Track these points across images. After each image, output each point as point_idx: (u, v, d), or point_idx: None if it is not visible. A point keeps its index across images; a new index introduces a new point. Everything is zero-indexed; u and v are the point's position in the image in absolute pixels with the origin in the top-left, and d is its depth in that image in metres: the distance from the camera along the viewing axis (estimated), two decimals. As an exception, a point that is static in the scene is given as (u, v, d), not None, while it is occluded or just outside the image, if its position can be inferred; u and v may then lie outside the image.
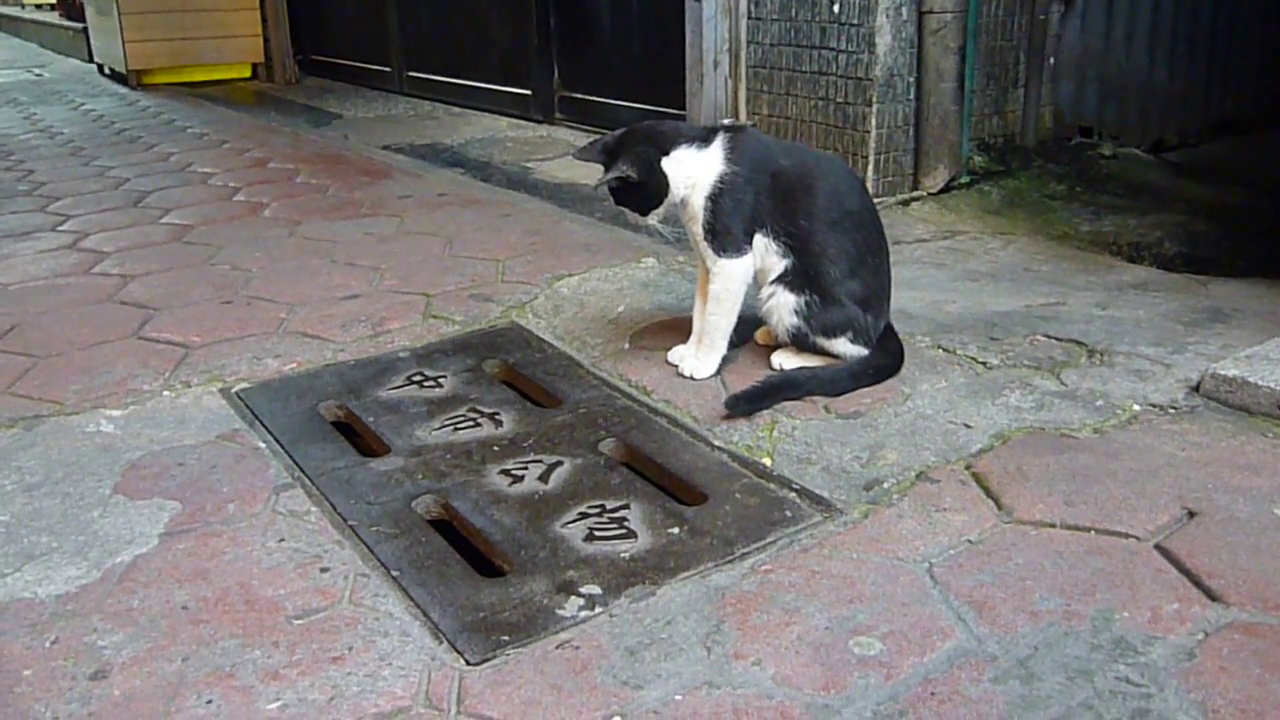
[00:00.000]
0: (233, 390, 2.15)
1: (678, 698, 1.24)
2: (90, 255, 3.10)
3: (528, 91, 5.05)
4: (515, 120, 5.10)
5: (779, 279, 2.02)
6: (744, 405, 1.91)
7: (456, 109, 5.54)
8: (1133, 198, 3.31)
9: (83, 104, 6.34)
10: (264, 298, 2.67)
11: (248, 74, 7.05)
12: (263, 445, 1.92)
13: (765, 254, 2.00)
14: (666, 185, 1.97)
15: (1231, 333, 2.15)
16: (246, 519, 1.67)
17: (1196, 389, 1.91)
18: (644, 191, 1.98)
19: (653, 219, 2.04)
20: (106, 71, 7.48)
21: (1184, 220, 3.09)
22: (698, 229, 1.98)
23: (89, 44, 7.75)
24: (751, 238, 1.98)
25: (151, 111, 5.89)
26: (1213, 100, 3.97)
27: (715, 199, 1.95)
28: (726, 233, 1.95)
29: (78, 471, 1.83)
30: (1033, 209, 3.21)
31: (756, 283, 2.06)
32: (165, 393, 2.15)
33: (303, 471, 1.82)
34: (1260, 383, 1.82)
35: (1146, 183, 3.49)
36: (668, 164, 1.96)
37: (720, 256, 1.98)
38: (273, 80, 6.95)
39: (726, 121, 2.13)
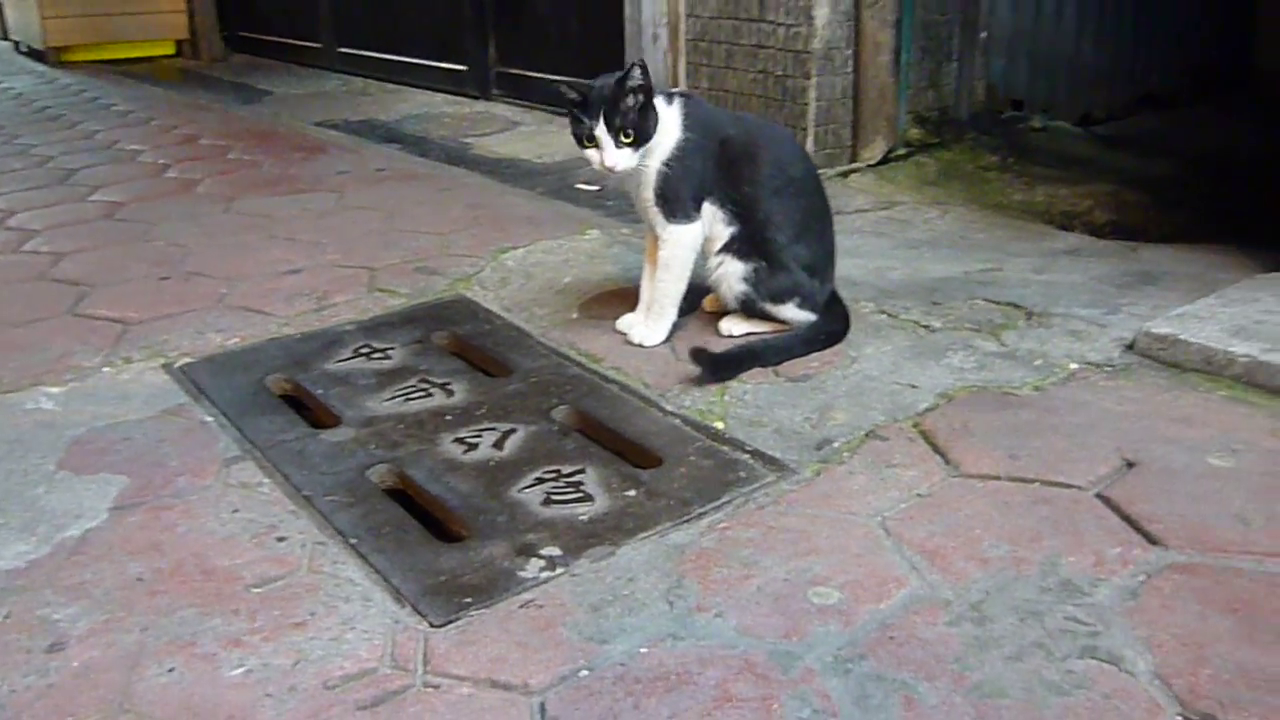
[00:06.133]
0: (175, 365, 2.11)
1: (643, 650, 1.26)
2: (18, 234, 3.01)
3: (463, 67, 5.00)
4: (451, 96, 5.05)
5: (726, 247, 2.04)
6: (719, 371, 1.92)
7: (390, 85, 5.47)
8: (1063, 168, 3.39)
9: (-1, 82, 6.13)
10: (202, 273, 2.62)
11: (172, 51, 6.86)
12: (210, 419, 1.89)
13: (713, 222, 2.02)
14: (657, 122, 1.92)
15: (1162, 294, 2.23)
16: (198, 491, 1.65)
17: (1130, 347, 1.98)
18: (646, 118, 1.91)
19: (633, 160, 1.92)
20: (23, 49, 7.22)
21: (1113, 190, 3.17)
22: (648, 194, 1.99)
23: (3, 20, 7.48)
24: (700, 205, 2.00)
25: (73, 89, 5.72)
26: (1138, 75, 4.08)
27: (670, 164, 1.96)
28: (677, 199, 1.97)
29: (19, 449, 1.79)
30: (968, 180, 3.27)
31: (703, 252, 2.08)
32: (105, 369, 2.10)
33: (253, 444, 1.80)
34: (1191, 340, 1.89)
35: (1076, 154, 3.57)
36: (659, 103, 1.94)
37: (670, 223, 1.99)
38: (198, 57, 6.78)
39: (675, 90, 2.12)
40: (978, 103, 3.63)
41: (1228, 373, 1.83)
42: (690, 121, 1.96)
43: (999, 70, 3.65)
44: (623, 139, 1.89)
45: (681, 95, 1.99)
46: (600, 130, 1.89)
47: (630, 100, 1.88)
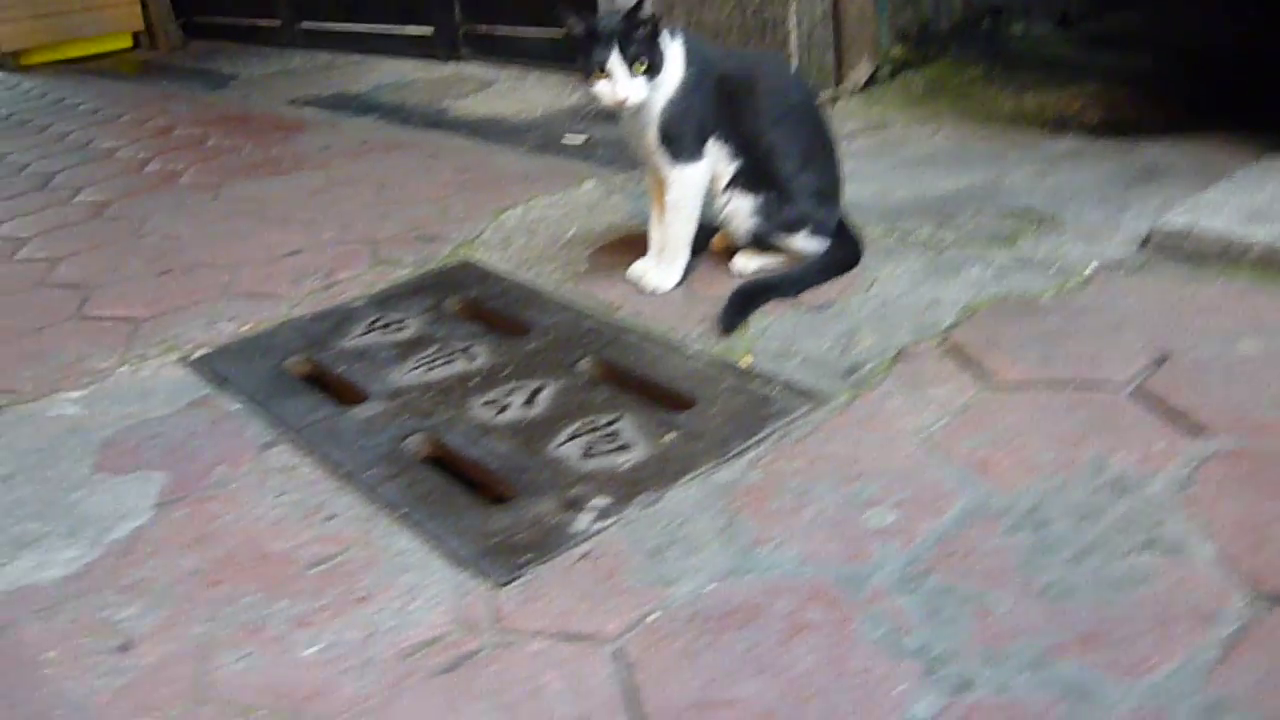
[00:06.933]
0: (192, 357, 2.10)
1: (710, 588, 1.27)
2: (9, 242, 2.98)
3: (429, 30, 4.92)
4: (420, 61, 4.97)
5: (733, 182, 2.02)
6: (734, 319, 1.90)
7: (356, 56, 5.38)
8: (1048, 72, 3.37)
9: (-41, 92, 6.02)
10: (203, 263, 2.60)
11: (130, 44, 6.74)
12: (236, 407, 1.89)
13: (717, 159, 2.00)
14: (664, 55, 1.89)
15: (1168, 187, 2.22)
16: (238, 479, 1.65)
17: (1145, 243, 1.98)
18: (657, 49, 1.88)
19: (645, 91, 1.88)
20: (-23, 56, 7.10)
21: (1101, 89, 3.15)
22: (652, 135, 1.96)
23: (-47, 29, 7.32)
24: (704, 143, 1.98)
25: (36, 92, 5.62)
26: (1111, -30, 4.03)
27: (674, 102, 1.93)
28: (682, 138, 1.95)
29: (51, 456, 1.79)
30: (955, 94, 3.25)
31: (710, 190, 2.06)
32: (123, 368, 2.09)
33: (284, 427, 1.80)
34: (1206, 229, 1.89)
35: (1059, 56, 3.55)
36: (663, 37, 1.91)
37: (677, 164, 1.97)
38: (156, 48, 6.66)
39: (672, 26, 2.08)
40: (956, 14, 3.59)
41: (1246, 258, 1.84)
42: (691, 57, 1.93)
43: (974, -21, 3.61)
44: (636, 69, 1.86)
45: (681, 31, 1.97)
46: (614, 60, 1.85)
47: (641, 31, 1.85)
